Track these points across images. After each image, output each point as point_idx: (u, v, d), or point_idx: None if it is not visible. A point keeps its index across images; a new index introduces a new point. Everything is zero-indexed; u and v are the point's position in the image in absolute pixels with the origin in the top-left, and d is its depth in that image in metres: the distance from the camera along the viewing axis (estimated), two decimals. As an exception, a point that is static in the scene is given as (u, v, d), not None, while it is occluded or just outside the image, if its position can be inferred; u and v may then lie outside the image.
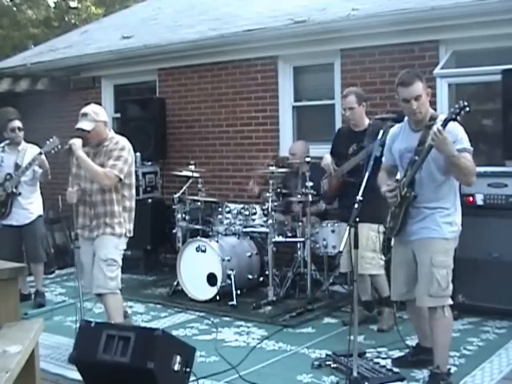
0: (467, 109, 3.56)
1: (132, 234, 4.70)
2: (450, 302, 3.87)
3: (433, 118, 3.83)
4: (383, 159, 4.21)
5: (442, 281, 3.79)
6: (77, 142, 4.47)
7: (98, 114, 4.58)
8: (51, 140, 5.65)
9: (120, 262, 4.60)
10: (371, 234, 4.76)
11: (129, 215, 4.66)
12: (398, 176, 4.06)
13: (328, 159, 5.34)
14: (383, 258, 4.89)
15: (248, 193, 6.92)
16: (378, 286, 5.11)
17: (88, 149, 4.59)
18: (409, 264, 3.97)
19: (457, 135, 3.72)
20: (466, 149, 3.74)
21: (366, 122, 5.15)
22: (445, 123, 3.60)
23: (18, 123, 6.07)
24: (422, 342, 4.23)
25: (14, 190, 5.93)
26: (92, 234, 4.59)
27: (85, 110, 4.59)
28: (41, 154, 5.72)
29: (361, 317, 4.99)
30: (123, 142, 4.64)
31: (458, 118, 3.60)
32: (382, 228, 4.40)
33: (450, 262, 3.87)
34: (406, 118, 4.02)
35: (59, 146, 5.61)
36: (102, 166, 4.50)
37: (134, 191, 4.73)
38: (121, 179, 4.52)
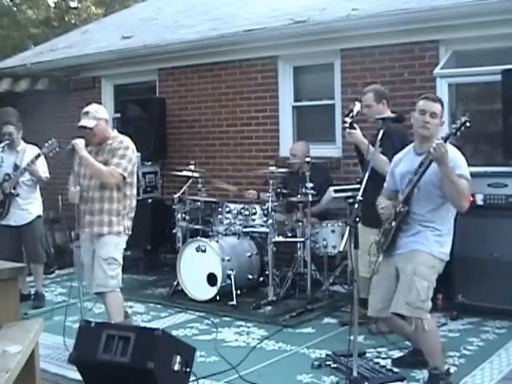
0: (468, 124, 3.57)
1: (130, 232, 4.70)
2: (428, 316, 3.79)
3: None
4: (385, 184, 4.17)
5: (422, 292, 3.75)
6: (79, 143, 4.51)
7: (99, 112, 4.64)
8: (50, 142, 5.65)
9: (121, 261, 4.61)
10: (371, 237, 4.72)
11: (128, 214, 4.67)
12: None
13: None
14: None
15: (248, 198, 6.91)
16: None
17: (90, 147, 4.62)
18: (390, 280, 3.93)
19: (456, 161, 3.72)
20: (463, 175, 3.72)
21: None
22: (446, 138, 3.62)
23: (9, 129, 6.01)
24: (415, 345, 4.21)
25: (13, 191, 5.92)
26: (91, 229, 4.58)
27: (86, 109, 4.65)
28: (39, 155, 5.72)
29: (360, 317, 5.00)
30: (128, 141, 4.68)
31: (458, 133, 3.61)
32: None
33: (433, 279, 3.83)
34: (412, 144, 4.00)
35: (57, 149, 5.62)
36: (105, 163, 4.52)
37: (135, 191, 4.75)
38: (125, 177, 4.55)
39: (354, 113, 4.76)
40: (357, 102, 4.84)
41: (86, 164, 4.53)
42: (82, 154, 4.49)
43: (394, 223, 3.85)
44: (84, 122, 4.56)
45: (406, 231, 3.85)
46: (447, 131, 3.80)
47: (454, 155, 3.74)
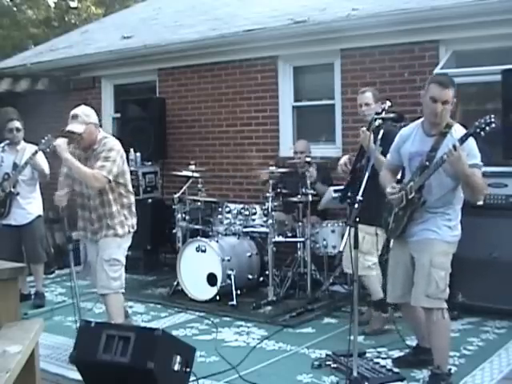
0: (493, 125, 3.44)
1: (136, 228, 4.67)
2: (445, 305, 3.83)
3: (448, 126, 3.77)
4: (388, 157, 4.16)
5: (441, 282, 3.78)
6: (62, 144, 4.38)
7: (89, 116, 4.50)
8: (46, 138, 5.66)
9: (123, 262, 4.59)
10: (363, 235, 4.71)
11: (129, 211, 4.64)
12: (404, 177, 4.03)
13: (342, 160, 5.28)
14: (373, 259, 4.90)
15: (257, 179, 6.82)
16: (368, 288, 5.07)
17: (79, 152, 4.54)
18: (406, 266, 3.96)
19: (471, 149, 3.64)
20: (477, 164, 3.69)
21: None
22: (466, 137, 3.51)
23: (15, 124, 6.05)
24: (421, 342, 4.23)
25: (12, 190, 5.92)
26: (96, 236, 4.58)
27: (75, 111, 4.50)
28: (36, 152, 5.73)
29: (370, 317, 5.02)
30: (111, 142, 4.53)
31: (483, 133, 3.47)
32: (378, 230, 4.41)
33: (449, 266, 3.85)
34: (420, 121, 3.96)
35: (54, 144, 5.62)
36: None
37: (130, 187, 4.67)
38: (110, 180, 4.43)
39: (386, 107, 4.65)
40: (387, 101, 4.73)
41: (70, 166, 4.43)
42: (65, 157, 4.36)
43: (407, 210, 3.83)
44: (72, 126, 4.41)
45: (415, 219, 3.85)
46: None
47: (470, 143, 3.62)
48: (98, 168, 4.39)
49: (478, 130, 3.47)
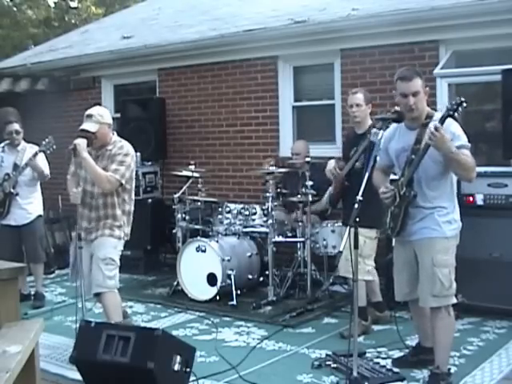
0: (464, 104, 3.54)
1: (129, 238, 4.72)
2: (454, 300, 3.86)
3: (429, 116, 3.82)
4: (377, 159, 4.18)
5: (445, 280, 3.79)
6: (82, 143, 4.44)
7: (103, 116, 4.58)
8: (47, 140, 5.68)
9: (118, 262, 4.62)
10: (363, 239, 4.71)
11: (127, 219, 4.69)
12: (396, 175, 4.05)
13: (330, 164, 5.28)
14: (372, 263, 4.90)
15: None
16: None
17: (90, 150, 4.57)
18: (411, 264, 3.97)
19: (454, 132, 3.70)
20: (464, 145, 3.71)
21: (369, 124, 5.08)
22: (442, 120, 3.58)
23: (15, 126, 6.02)
24: (422, 341, 4.23)
25: (12, 191, 5.93)
26: (90, 235, 4.59)
27: (90, 111, 4.58)
28: (36, 154, 5.73)
29: (372, 317, 5.02)
30: (127, 146, 4.65)
31: (456, 114, 3.57)
32: (375, 233, 4.39)
33: (452, 261, 3.86)
34: None
35: (54, 146, 5.64)
36: (105, 169, 4.50)
37: (133, 195, 4.75)
38: (122, 184, 4.53)
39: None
40: (396, 107, 4.73)
41: (86, 166, 4.48)
42: (84, 156, 4.44)
43: (401, 207, 3.83)
44: (86, 125, 4.51)
45: (412, 217, 3.84)
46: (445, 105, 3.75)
47: (452, 126, 3.70)
48: (112, 171, 4.48)
49: (452, 112, 3.56)
